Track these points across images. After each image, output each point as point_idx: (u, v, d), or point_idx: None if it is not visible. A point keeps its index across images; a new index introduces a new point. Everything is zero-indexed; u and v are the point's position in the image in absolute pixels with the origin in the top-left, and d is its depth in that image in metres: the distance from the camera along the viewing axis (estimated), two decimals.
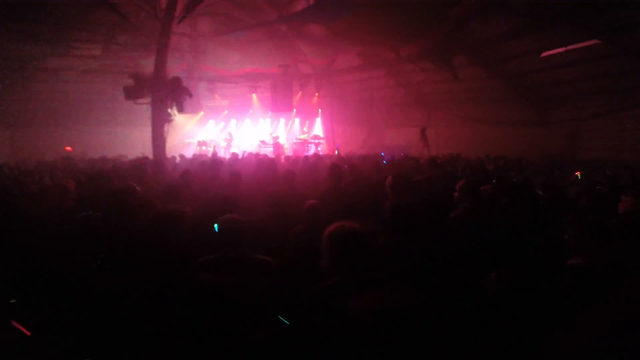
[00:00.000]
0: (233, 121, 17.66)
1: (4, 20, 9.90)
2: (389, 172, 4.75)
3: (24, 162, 10.29)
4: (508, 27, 10.37)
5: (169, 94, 8.98)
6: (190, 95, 9.59)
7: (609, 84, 10.81)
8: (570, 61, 10.72)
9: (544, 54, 10.76)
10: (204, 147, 15.35)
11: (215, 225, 2.22)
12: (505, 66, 12.61)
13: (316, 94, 16.78)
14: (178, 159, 9.17)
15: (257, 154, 9.91)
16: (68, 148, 12.95)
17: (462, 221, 2.72)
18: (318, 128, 17.89)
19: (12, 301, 1.94)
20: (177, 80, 9.37)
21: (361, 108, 18.15)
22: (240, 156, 8.85)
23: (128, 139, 14.59)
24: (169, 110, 9.08)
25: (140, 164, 5.58)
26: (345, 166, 5.29)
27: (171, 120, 8.78)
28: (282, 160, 8.74)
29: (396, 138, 18.50)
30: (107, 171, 4.63)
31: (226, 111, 17.43)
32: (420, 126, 14.50)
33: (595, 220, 2.16)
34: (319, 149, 15.64)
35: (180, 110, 9.36)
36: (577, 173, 5.80)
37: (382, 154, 8.39)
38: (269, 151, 14.25)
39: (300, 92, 16.49)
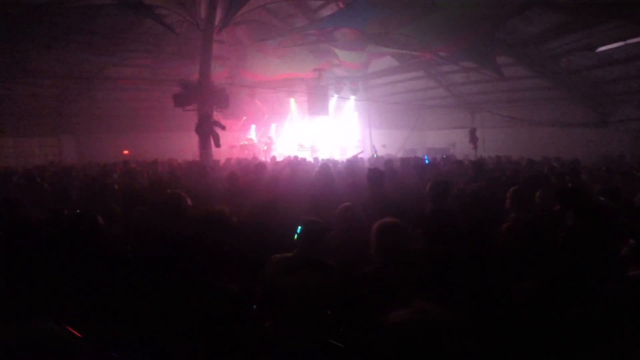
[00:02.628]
0: (273, 125, 18.08)
1: (64, 33, 10.85)
2: (431, 175, 4.64)
3: (89, 165, 11.14)
4: (554, 23, 9.76)
5: (213, 101, 9.39)
6: (227, 106, 9.84)
7: None
8: (630, 56, 9.88)
9: (600, 49, 9.97)
10: (246, 151, 15.86)
11: (299, 228, 2.33)
12: (555, 64, 11.83)
13: (352, 97, 16.72)
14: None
15: (293, 158, 10.05)
16: (126, 152, 13.97)
17: (510, 233, 2.57)
18: (355, 131, 17.82)
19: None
20: (221, 90, 9.80)
21: (399, 110, 17.82)
22: (279, 160, 9.05)
23: (178, 143, 15.37)
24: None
25: (202, 166, 6.05)
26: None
27: (224, 128, 9.03)
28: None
29: (438, 140, 17.98)
30: (174, 174, 5.04)
31: (266, 115, 17.89)
32: (470, 127, 14.04)
33: None
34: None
35: (224, 116, 9.71)
36: None
37: (426, 156, 8.13)
38: (306, 154, 14.42)
39: (336, 96, 16.54)
